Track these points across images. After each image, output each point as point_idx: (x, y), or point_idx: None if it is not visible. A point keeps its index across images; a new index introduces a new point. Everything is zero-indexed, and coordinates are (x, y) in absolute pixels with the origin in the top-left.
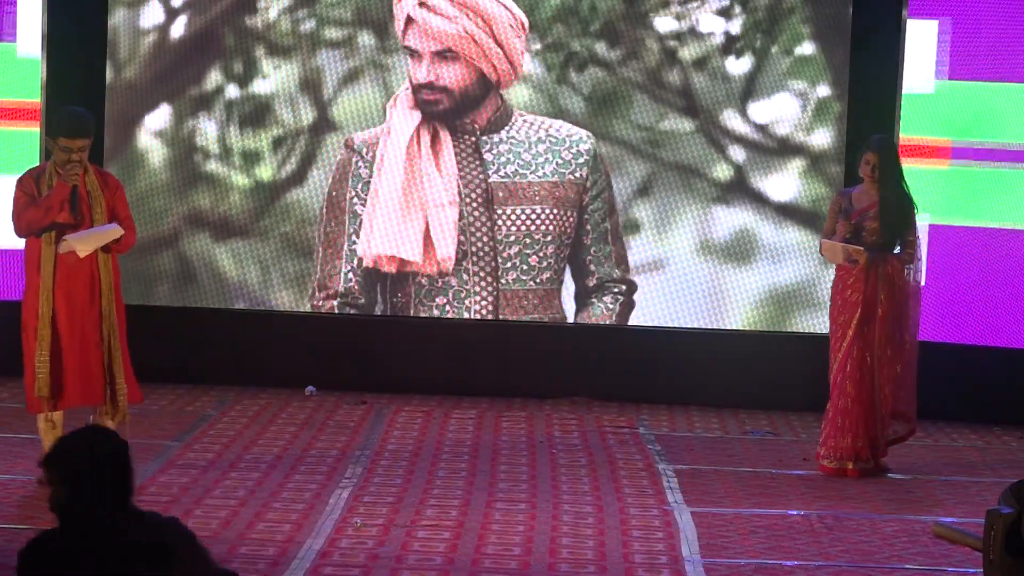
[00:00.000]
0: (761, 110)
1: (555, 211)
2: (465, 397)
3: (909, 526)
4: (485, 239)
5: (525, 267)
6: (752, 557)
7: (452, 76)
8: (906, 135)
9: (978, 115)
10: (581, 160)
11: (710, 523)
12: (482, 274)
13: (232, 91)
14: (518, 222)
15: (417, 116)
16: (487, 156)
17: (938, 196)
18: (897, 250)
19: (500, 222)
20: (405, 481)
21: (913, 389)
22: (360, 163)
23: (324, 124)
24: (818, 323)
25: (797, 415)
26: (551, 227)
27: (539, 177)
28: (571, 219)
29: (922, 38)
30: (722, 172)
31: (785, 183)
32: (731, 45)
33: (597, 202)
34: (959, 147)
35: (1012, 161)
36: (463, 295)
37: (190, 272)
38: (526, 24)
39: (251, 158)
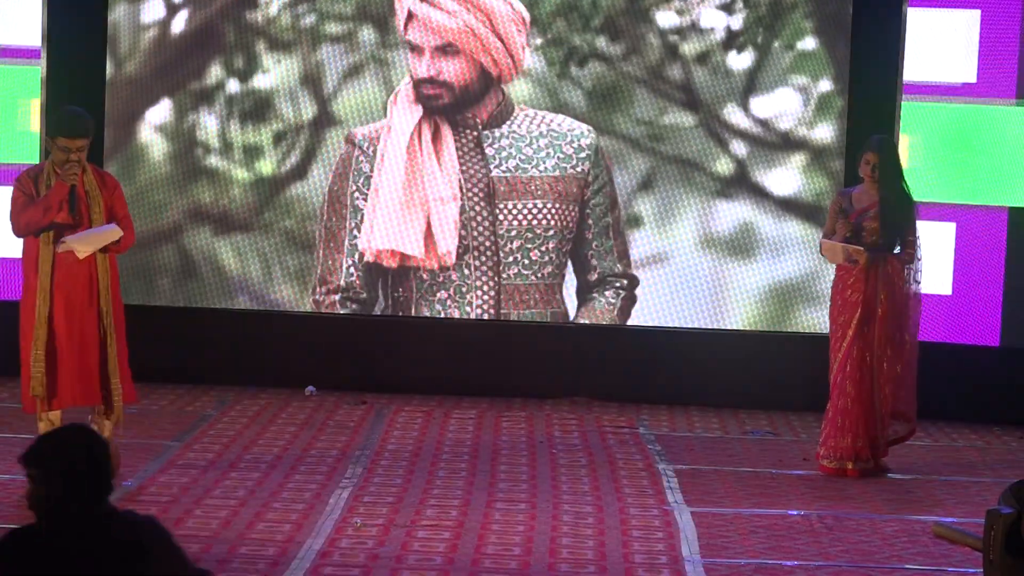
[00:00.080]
0: (763, 105)
1: (557, 206)
2: (465, 397)
3: (909, 526)
4: (487, 234)
5: (527, 262)
6: (752, 557)
7: (453, 71)
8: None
9: None
10: (583, 155)
11: (710, 523)
12: (484, 269)
13: (233, 86)
14: (519, 217)
15: (418, 111)
16: (488, 151)
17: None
18: (897, 250)
19: (501, 217)
20: (405, 481)
21: (913, 389)
22: (361, 158)
23: (325, 119)
24: (819, 318)
25: (797, 415)
26: (553, 222)
27: (540, 172)
28: (573, 214)
29: (923, 29)
30: (724, 167)
31: (786, 178)
32: (733, 40)
33: (599, 196)
34: None
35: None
36: (464, 290)
37: (191, 267)
38: (527, 19)
39: (252, 153)
